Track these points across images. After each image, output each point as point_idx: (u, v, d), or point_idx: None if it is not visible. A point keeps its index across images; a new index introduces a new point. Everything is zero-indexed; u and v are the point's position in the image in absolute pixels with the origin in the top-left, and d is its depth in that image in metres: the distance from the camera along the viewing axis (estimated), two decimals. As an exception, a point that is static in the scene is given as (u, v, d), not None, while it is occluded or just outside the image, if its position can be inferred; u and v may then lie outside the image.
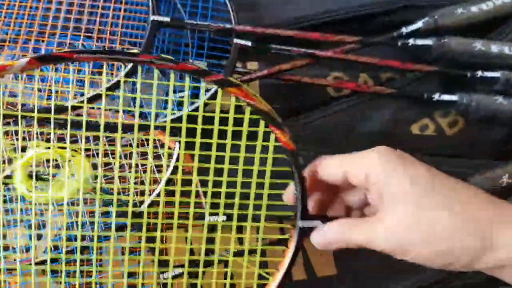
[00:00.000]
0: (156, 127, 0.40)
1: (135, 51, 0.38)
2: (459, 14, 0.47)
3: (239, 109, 0.46)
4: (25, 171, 0.34)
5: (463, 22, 0.47)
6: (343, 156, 0.27)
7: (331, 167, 0.27)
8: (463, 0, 0.49)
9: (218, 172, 0.32)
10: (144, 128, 0.40)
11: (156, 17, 0.40)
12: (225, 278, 0.32)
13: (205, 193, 0.36)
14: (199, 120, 0.31)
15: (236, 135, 0.31)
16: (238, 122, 0.31)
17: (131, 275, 0.36)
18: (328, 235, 0.27)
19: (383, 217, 0.25)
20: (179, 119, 0.40)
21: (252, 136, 0.30)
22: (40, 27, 0.40)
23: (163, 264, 0.35)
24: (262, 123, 0.30)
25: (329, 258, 0.39)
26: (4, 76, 0.26)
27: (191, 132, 0.41)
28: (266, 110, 0.30)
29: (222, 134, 0.32)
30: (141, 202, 0.37)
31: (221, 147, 0.32)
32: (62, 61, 0.28)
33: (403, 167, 0.25)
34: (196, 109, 0.40)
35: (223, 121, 0.32)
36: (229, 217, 0.34)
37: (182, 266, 0.35)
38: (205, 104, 0.41)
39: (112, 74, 0.40)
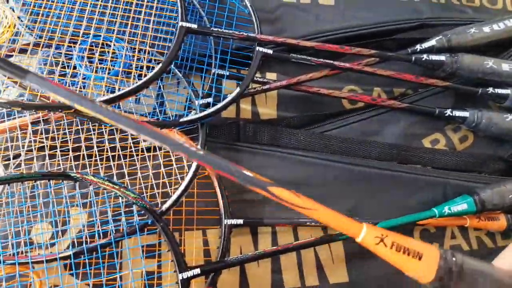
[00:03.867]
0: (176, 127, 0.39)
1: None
2: (472, 34, 0.46)
3: (255, 116, 0.45)
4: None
5: (476, 41, 0.46)
6: None
7: None
8: (476, 20, 0.48)
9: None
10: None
11: (185, 23, 0.39)
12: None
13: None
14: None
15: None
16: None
17: (149, 274, 0.35)
18: None
19: None
20: (198, 120, 0.39)
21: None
22: (75, 27, 0.39)
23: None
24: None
25: (342, 266, 0.38)
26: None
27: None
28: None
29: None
30: (162, 203, 0.35)
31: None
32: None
33: None
34: (215, 112, 0.39)
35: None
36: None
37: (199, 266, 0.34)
38: (225, 107, 0.40)
39: (140, 74, 0.39)
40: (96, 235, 0.35)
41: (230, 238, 0.37)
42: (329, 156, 0.42)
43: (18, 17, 0.41)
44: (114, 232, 0.35)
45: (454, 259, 0.18)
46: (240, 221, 0.37)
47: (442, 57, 0.44)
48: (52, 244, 0.36)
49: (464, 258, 0.18)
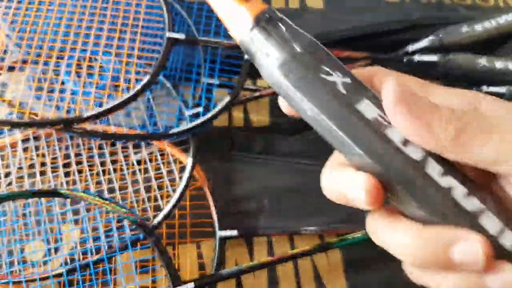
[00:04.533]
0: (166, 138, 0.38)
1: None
2: (464, 32, 0.45)
3: (248, 124, 0.44)
4: None
5: (468, 40, 0.45)
6: None
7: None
8: (468, 18, 0.47)
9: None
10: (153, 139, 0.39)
11: (172, 34, 0.39)
12: None
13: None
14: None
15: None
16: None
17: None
18: None
19: None
20: (188, 131, 0.38)
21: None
22: (62, 43, 0.38)
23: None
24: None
25: (340, 274, 0.37)
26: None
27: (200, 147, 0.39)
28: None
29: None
30: (154, 217, 0.35)
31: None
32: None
33: None
34: (206, 122, 0.39)
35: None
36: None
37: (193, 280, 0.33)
38: (215, 116, 0.39)
39: (128, 87, 0.38)
40: (89, 251, 0.35)
41: (224, 250, 0.36)
42: (324, 161, 0.41)
43: (7, 35, 0.41)
44: (106, 248, 0.34)
45: (276, 14, 0.18)
46: (234, 232, 0.36)
47: (434, 57, 0.43)
48: (45, 262, 0.35)
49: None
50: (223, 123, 0.43)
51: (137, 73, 0.39)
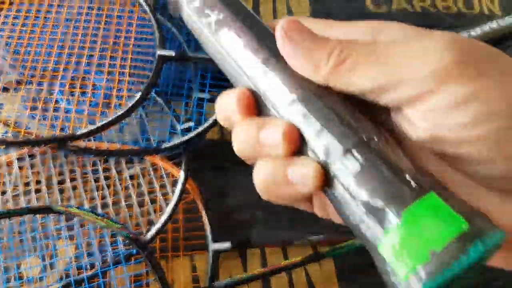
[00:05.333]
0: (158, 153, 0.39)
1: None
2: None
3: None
4: None
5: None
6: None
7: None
8: (453, 26, 0.48)
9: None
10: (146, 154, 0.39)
11: (162, 52, 0.40)
12: None
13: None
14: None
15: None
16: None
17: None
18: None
19: None
20: (180, 145, 0.39)
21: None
22: (56, 63, 0.40)
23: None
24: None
25: (334, 283, 0.37)
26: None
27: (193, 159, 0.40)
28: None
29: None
30: (147, 231, 0.35)
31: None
32: None
33: None
34: (198, 136, 0.39)
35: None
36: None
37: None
38: (206, 130, 0.40)
39: (120, 104, 0.39)
40: (83, 266, 0.35)
41: (218, 263, 0.36)
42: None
43: (1, 57, 0.42)
44: (100, 263, 0.35)
45: None
46: (228, 244, 0.37)
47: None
48: (41, 278, 0.36)
49: None
50: (215, 136, 0.44)
51: (129, 90, 0.40)
